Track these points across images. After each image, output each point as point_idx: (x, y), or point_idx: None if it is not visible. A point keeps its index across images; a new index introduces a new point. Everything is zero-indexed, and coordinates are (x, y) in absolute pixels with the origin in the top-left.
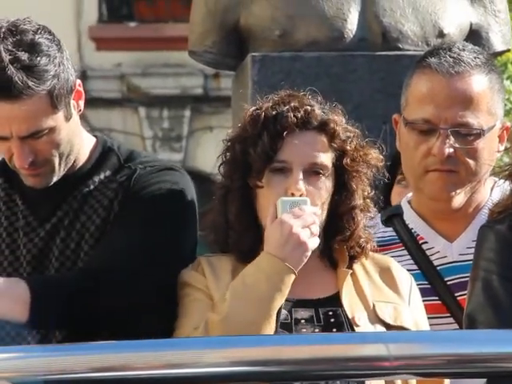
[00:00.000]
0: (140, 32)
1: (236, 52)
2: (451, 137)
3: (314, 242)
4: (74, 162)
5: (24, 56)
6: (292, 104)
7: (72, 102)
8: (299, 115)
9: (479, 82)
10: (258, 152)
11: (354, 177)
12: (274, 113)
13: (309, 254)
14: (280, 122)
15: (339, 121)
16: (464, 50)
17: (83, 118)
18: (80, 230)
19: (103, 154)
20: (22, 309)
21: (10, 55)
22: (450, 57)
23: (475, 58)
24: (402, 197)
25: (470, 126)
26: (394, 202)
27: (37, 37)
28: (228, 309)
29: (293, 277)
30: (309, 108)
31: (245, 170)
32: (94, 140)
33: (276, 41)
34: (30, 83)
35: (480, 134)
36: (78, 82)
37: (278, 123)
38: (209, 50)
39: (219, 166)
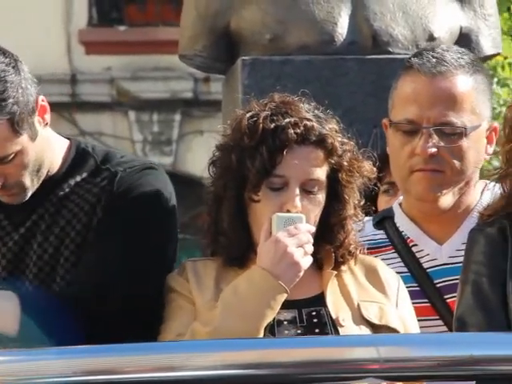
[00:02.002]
0: (130, 36)
1: (226, 56)
2: (434, 136)
3: (307, 262)
4: (48, 170)
5: None
6: (292, 119)
7: (37, 118)
8: (299, 131)
9: (462, 82)
10: (255, 166)
11: (347, 187)
12: (272, 126)
13: (301, 273)
14: (279, 137)
15: (335, 134)
16: (448, 50)
17: (72, 122)
18: (59, 234)
19: (77, 156)
20: (13, 323)
21: None
22: (433, 57)
23: (459, 58)
24: (389, 205)
25: (453, 125)
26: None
27: None
28: (218, 322)
29: (285, 295)
30: (308, 124)
31: (240, 180)
32: (67, 143)
33: (266, 45)
34: None
35: (463, 132)
36: (41, 97)
37: (277, 138)
38: (199, 53)
39: (210, 171)
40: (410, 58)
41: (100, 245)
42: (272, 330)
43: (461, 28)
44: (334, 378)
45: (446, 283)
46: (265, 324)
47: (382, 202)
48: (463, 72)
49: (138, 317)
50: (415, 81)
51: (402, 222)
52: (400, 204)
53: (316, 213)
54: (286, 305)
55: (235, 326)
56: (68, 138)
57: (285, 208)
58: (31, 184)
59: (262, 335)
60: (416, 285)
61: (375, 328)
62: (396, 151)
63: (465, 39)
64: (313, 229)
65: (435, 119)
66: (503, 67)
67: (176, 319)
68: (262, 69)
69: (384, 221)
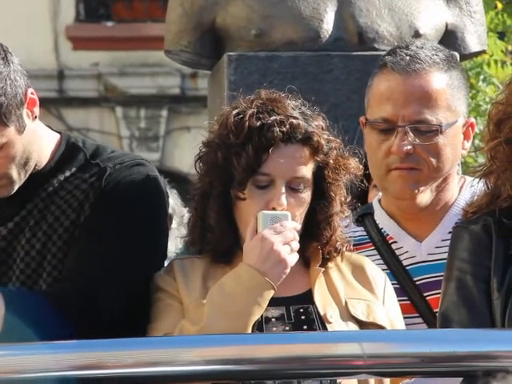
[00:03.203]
0: (117, 31)
1: (212, 52)
2: (410, 134)
3: (293, 259)
4: (36, 164)
5: None
6: (278, 117)
7: (25, 111)
8: (285, 129)
9: (437, 79)
10: (241, 164)
11: (333, 185)
12: (258, 124)
13: (288, 270)
14: (265, 135)
15: (321, 132)
16: (422, 47)
17: (59, 117)
18: (47, 230)
19: (67, 150)
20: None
21: None
22: (407, 55)
23: (433, 55)
24: None
25: (429, 123)
26: None
27: None
28: (206, 321)
29: (272, 292)
30: (294, 122)
31: (226, 178)
32: (57, 137)
33: (252, 41)
34: None
35: (438, 130)
36: (30, 90)
37: (263, 136)
38: (185, 49)
39: (197, 167)
40: (383, 57)
41: (87, 242)
42: (260, 327)
43: (446, 25)
44: (317, 373)
45: (426, 280)
46: (252, 321)
47: (373, 198)
48: (438, 69)
49: (127, 314)
50: (389, 79)
51: (382, 218)
52: (379, 200)
53: (302, 210)
54: (274, 302)
55: (223, 324)
56: (59, 132)
57: (270, 206)
58: (18, 177)
59: (249, 332)
60: (395, 282)
61: (363, 325)
62: (372, 150)
63: (450, 36)
64: (298, 226)
65: (410, 117)
66: (489, 65)
67: (164, 318)
68: (247, 65)
69: (364, 217)
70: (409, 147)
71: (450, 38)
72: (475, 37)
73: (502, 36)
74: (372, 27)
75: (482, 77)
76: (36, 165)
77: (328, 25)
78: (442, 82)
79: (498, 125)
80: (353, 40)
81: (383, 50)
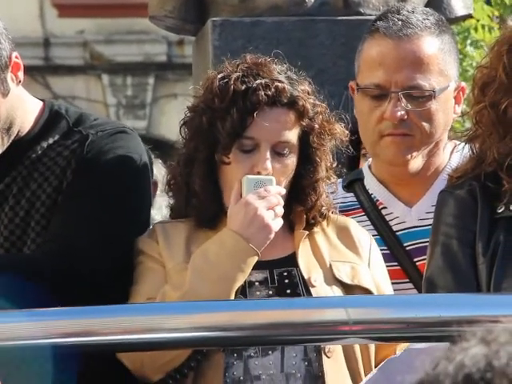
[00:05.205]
0: None
1: (196, 17)
2: (403, 99)
3: (277, 224)
4: (19, 130)
5: None
6: (263, 81)
7: (9, 75)
8: (270, 93)
9: (429, 44)
10: (226, 128)
11: (319, 150)
12: (243, 87)
13: (272, 235)
14: (250, 99)
15: (307, 96)
16: (413, 12)
17: (45, 85)
18: (30, 197)
19: (50, 118)
20: None
21: None
22: (399, 19)
23: (424, 19)
24: None
25: (422, 88)
26: None
27: None
28: (188, 286)
29: (256, 258)
30: (279, 85)
31: (210, 142)
32: (40, 104)
33: (236, 6)
34: None
35: (432, 95)
36: (15, 54)
37: (248, 100)
38: (169, 15)
39: (182, 132)
40: (375, 21)
41: (69, 207)
42: (243, 291)
43: None
44: (303, 339)
45: (416, 246)
46: (236, 287)
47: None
48: (429, 33)
49: (110, 280)
50: (381, 44)
51: (372, 184)
52: (369, 166)
53: (287, 175)
54: (258, 265)
55: (206, 290)
56: (42, 100)
57: (255, 170)
58: (1, 141)
59: (233, 298)
60: (386, 248)
61: (347, 288)
62: (364, 116)
63: (436, 0)
64: (283, 191)
65: (403, 83)
66: (476, 29)
67: (146, 282)
68: (232, 30)
69: (354, 183)
70: (402, 113)
71: (435, 2)
72: (460, 0)
73: (488, 1)
74: None
75: (469, 41)
76: (19, 131)
77: None
78: (433, 46)
79: (483, 89)
80: (338, 4)
81: (369, 15)
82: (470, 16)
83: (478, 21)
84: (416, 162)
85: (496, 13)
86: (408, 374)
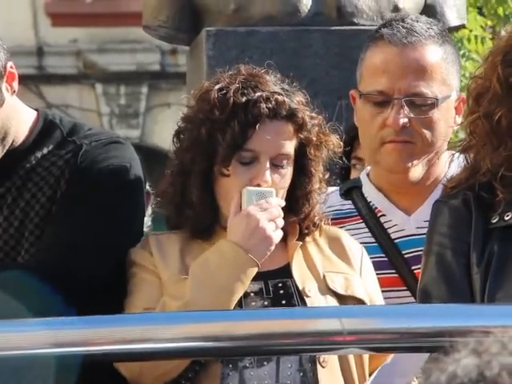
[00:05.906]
0: (96, 8)
1: (190, 27)
2: (405, 107)
3: (278, 236)
4: (14, 140)
5: None
6: (263, 93)
7: (4, 85)
8: (270, 106)
9: (433, 52)
10: (226, 140)
11: (314, 161)
12: (243, 99)
13: (273, 247)
14: (251, 111)
15: (304, 108)
16: (417, 21)
17: (39, 94)
18: (24, 207)
19: (44, 128)
20: None
21: None
22: (403, 27)
23: (428, 28)
24: None
25: (424, 96)
26: None
27: None
28: (189, 296)
29: (256, 269)
30: (279, 98)
31: (209, 153)
32: (34, 114)
33: (231, 15)
34: None
35: (434, 103)
36: (10, 64)
37: (249, 112)
38: (163, 24)
39: (174, 142)
40: (379, 29)
41: (63, 216)
42: (239, 302)
43: None
44: (297, 350)
45: (414, 254)
46: (236, 299)
47: (355, 176)
48: (433, 42)
49: (105, 290)
50: (385, 51)
51: (370, 192)
52: (367, 174)
53: (285, 187)
54: (253, 277)
55: (206, 300)
56: (36, 110)
57: (255, 182)
58: None
59: (232, 308)
60: (383, 255)
61: (341, 298)
62: (366, 123)
63: (430, 10)
64: (283, 203)
65: (406, 90)
66: (469, 40)
67: (141, 293)
68: (226, 40)
69: (351, 191)
70: (405, 120)
71: (429, 12)
72: (454, 11)
73: (481, 12)
74: (351, 1)
75: (461, 52)
76: (14, 141)
77: None
78: (437, 55)
79: (477, 99)
80: (332, 14)
81: (362, 25)
82: (463, 26)
83: (470, 31)
84: (416, 170)
85: (489, 23)
86: (399, 378)
